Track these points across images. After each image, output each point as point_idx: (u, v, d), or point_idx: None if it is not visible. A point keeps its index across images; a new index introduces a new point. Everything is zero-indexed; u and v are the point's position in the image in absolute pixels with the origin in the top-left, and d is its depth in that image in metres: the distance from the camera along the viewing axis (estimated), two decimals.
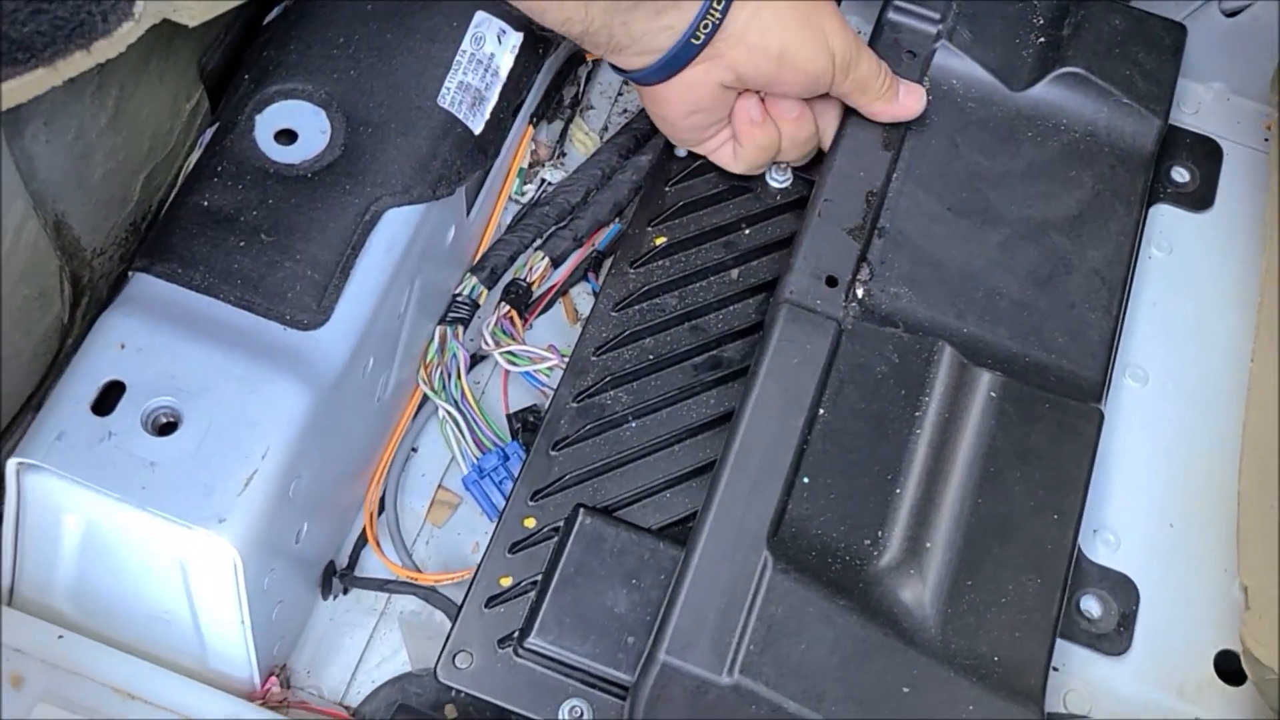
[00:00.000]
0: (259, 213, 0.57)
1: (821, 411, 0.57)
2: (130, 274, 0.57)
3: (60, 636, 0.57)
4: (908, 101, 0.63)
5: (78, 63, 0.51)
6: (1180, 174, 0.71)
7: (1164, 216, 0.70)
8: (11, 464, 0.51)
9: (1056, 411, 0.58)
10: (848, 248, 0.60)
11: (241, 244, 0.56)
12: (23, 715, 0.55)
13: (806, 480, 0.55)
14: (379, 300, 0.58)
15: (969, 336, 0.60)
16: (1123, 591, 0.60)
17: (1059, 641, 0.57)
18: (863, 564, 0.54)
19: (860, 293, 0.58)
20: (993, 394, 0.58)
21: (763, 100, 0.63)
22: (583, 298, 0.74)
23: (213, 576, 0.53)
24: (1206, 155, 0.71)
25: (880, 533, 0.55)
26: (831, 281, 0.59)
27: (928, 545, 0.55)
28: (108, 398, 0.53)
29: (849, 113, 0.64)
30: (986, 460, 0.57)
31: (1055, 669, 0.57)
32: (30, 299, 0.59)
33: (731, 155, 0.66)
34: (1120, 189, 0.64)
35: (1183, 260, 0.69)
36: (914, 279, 0.61)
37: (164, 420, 0.53)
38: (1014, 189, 0.63)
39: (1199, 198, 0.70)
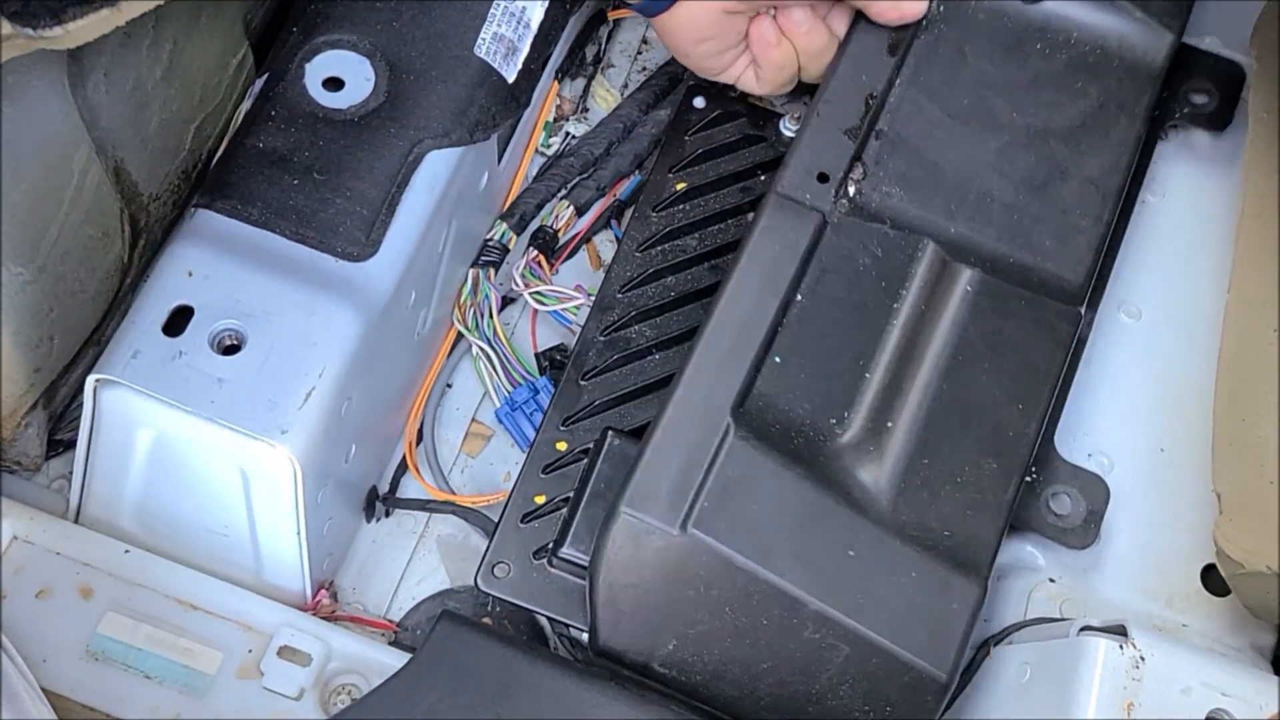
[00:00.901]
0: (310, 154, 0.61)
1: (799, 297, 0.58)
2: (193, 210, 0.62)
3: (126, 551, 0.61)
4: (912, 2, 0.64)
5: (138, 4, 0.55)
6: (1199, 97, 0.71)
7: (1175, 148, 0.71)
8: (90, 380, 0.56)
9: (1034, 309, 0.59)
10: (843, 147, 0.61)
11: (295, 182, 0.60)
12: (92, 623, 0.59)
13: (778, 360, 0.57)
14: (421, 235, 0.62)
15: (956, 236, 0.61)
16: (1092, 490, 0.63)
17: (1041, 545, 0.61)
18: (825, 440, 0.56)
19: (852, 190, 0.60)
20: (969, 288, 0.60)
21: (776, 21, 0.65)
22: (605, 245, 0.78)
23: (273, 486, 0.57)
24: (1227, 78, 0.71)
25: (846, 413, 0.57)
26: (823, 178, 0.60)
27: (889, 425, 0.57)
28: (177, 321, 0.57)
29: (857, 18, 0.65)
30: (957, 349, 0.58)
31: (1044, 573, 0.61)
32: (94, 239, 0.63)
33: (754, 79, 0.69)
34: (1125, 102, 0.64)
35: (1183, 198, 0.71)
36: (907, 180, 0.62)
37: (229, 341, 0.57)
38: (1018, 98, 0.64)
39: (1216, 119, 0.70)
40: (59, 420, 0.65)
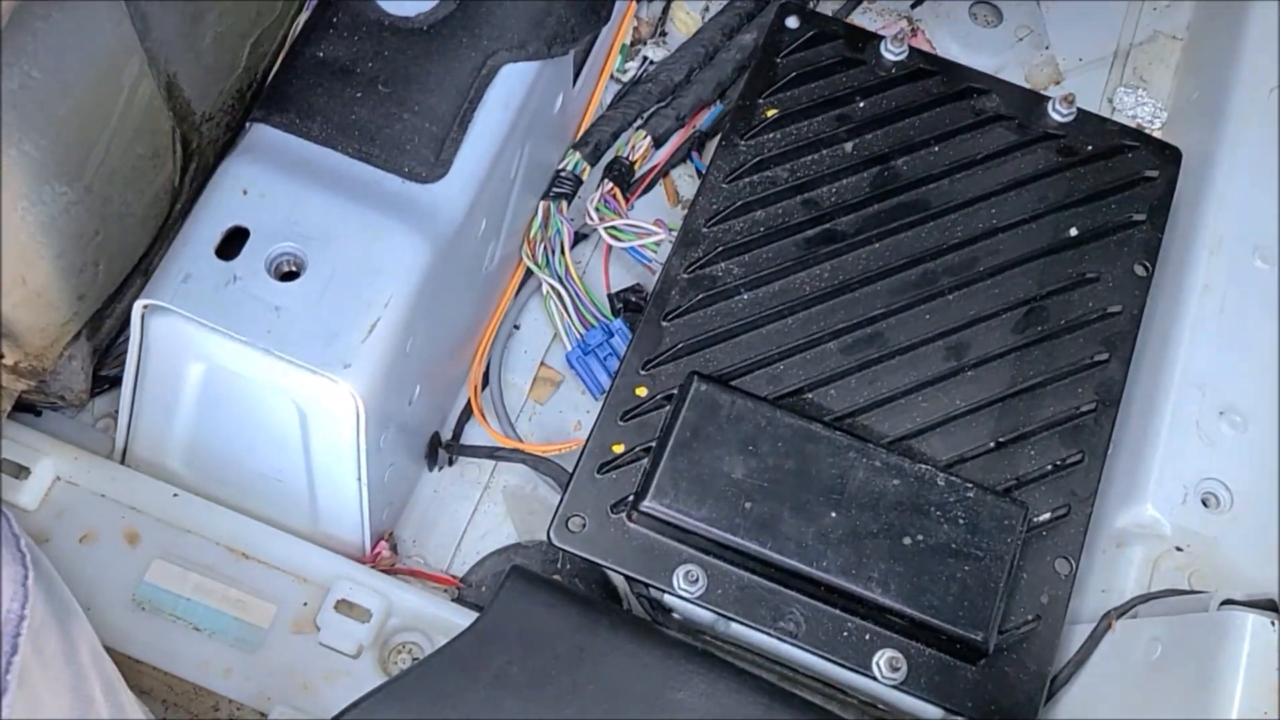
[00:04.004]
0: (375, 65, 0.56)
1: None
2: (249, 124, 0.57)
3: (175, 495, 0.57)
4: None
5: None
6: None
7: None
8: (138, 307, 0.51)
9: None
10: None
11: (358, 95, 0.55)
12: (139, 571, 0.56)
13: None
14: (494, 157, 0.57)
15: None
16: None
17: (1167, 509, 0.56)
18: None
19: None
20: None
21: None
22: (684, 180, 0.72)
23: (333, 426, 0.53)
24: None
25: None
26: None
27: None
28: (232, 243, 0.52)
29: None
30: None
31: (1170, 540, 0.56)
32: (144, 159, 0.59)
33: None
34: None
35: None
36: None
37: (287, 267, 0.52)
38: None
39: None
40: (104, 355, 0.61)
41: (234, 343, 0.51)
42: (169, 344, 0.52)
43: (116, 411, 0.58)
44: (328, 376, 0.51)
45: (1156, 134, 0.72)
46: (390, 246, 0.53)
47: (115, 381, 0.60)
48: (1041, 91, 0.69)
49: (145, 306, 0.51)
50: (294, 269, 0.52)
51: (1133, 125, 0.70)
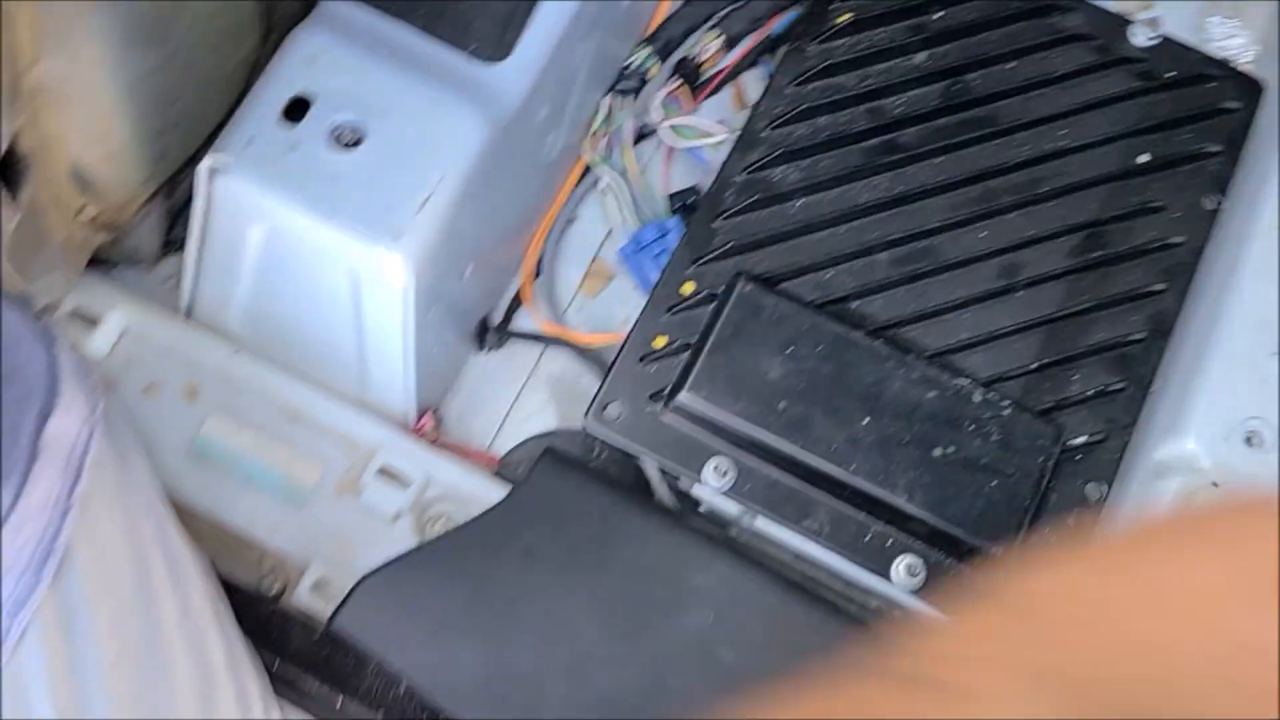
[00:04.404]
0: None
1: None
2: None
3: (235, 354, 0.59)
4: None
5: None
6: None
7: None
8: (203, 167, 0.53)
9: None
10: None
11: None
12: (196, 424, 0.58)
13: None
14: (559, 44, 0.58)
15: None
16: None
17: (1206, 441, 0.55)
18: None
19: None
20: None
21: None
22: (753, 85, 0.72)
23: (384, 295, 0.54)
24: None
25: None
26: None
27: None
28: (296, 110, 0.54)
29: None
30: None
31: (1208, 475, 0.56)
32: (228, 31, 0.60)
33: None
34: None
35: None
36: None
37: (348, 137, 0.54)
38: None
39: None
40: (177, 217, 0.64)
41: (292, 208, 0.53)
42: (231, 206, 0.54)
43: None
44: (380, 245, 0.53)
45: (1246, 68, 0.70)
46: (448, 124, 0.54)
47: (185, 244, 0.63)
48: (1127, 16, 0.67)
49: (211, 168, 0.53)
50: (354, 139, 0.53)
51: (1221, 57, 0.67)
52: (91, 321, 0.60)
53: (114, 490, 0.45)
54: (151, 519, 0.47)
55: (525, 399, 0.66)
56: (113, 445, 0.45)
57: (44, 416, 0.40)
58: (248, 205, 0.54)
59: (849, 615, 0.54)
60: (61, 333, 0.44)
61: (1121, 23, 0.65)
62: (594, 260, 0.68)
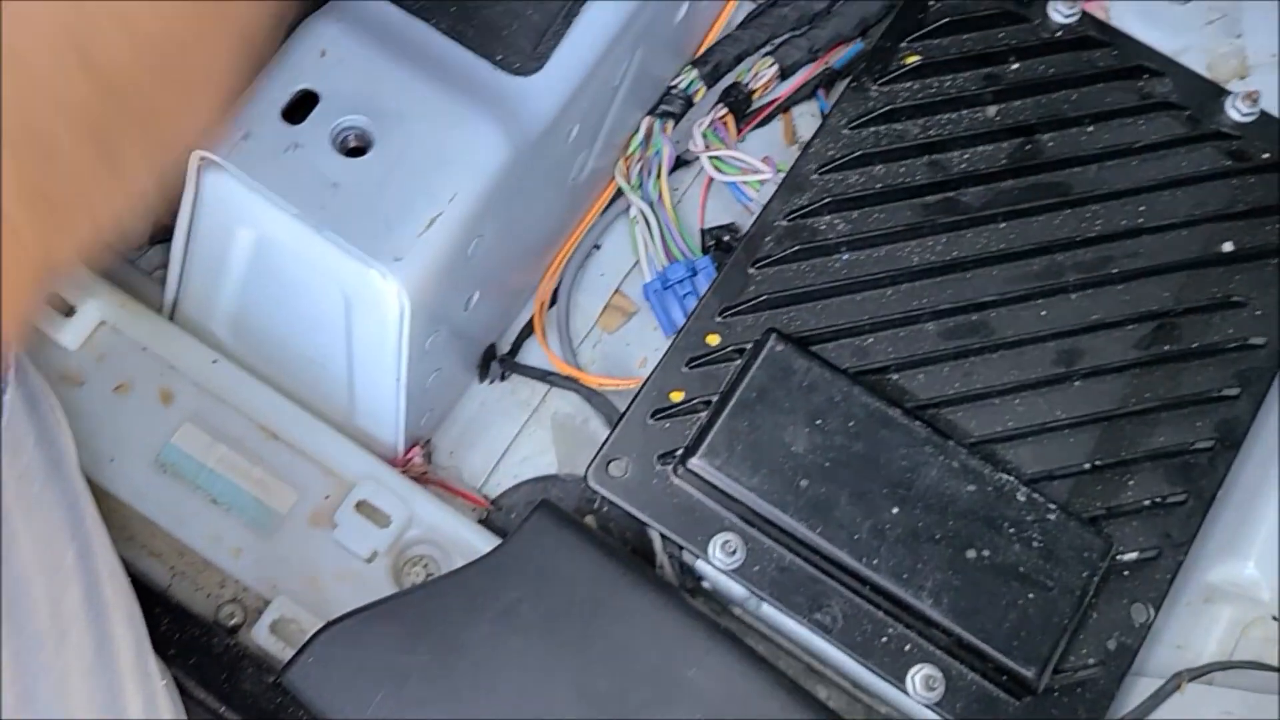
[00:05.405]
0: None
1: None
2: None
3: (215, 361, 0.55)
4: None
5: None
6: None
7: None
8: (194, 157, 0.48)
9: None
10: None
11: None
12: (167, 432, 0.54)
13: None
14: (598, 59, 0.52)
15: None
16: None
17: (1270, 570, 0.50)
18: None
19: None
20: None
21: None
22: (805, 119, 0.66)
23: (377, 320, 0.49)
24: None
25: None
26: None
27: None
28: (300, 107, 0.49)
29: None
30: None
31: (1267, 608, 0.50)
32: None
33: None
34: None
35: None
36: None
37: (354, 142, 0.49)
38: None
39: None
40: (171, 202, 0.59)
41: (284, 214, 0.48)
42: (220, 203, 0.49)
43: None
44: (375, 267, 0.48)
45: None
46: (466, 138, 0.49)
47: None
48: (1222, 85, 0.61)
49: (201, 159, 0.48)
50: (360, 145, 0.48)
51: None
52: (66, 311, 0.55)
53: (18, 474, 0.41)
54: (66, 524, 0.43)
55: (526, 438, 0.61)
56: (24, 431, 0.41)
57: None
58: (237, 206, 0.49)
59: None
60: None
61: (1217, 93, 0.59)
62: (615, 293, 0.63)
